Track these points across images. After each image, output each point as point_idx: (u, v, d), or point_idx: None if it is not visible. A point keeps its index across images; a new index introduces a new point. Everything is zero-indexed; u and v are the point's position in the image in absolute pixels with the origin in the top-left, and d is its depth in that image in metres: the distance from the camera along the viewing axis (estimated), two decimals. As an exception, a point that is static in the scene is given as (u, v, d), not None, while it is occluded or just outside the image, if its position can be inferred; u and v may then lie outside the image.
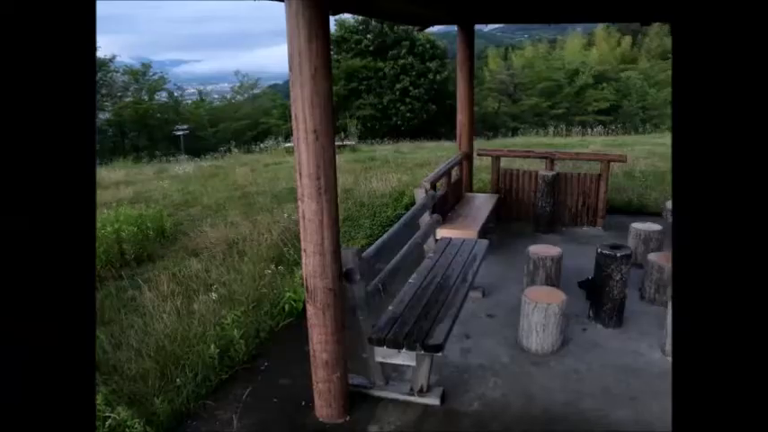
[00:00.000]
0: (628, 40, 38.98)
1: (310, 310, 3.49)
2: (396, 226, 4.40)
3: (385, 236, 4.19)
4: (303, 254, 3.40)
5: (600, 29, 38.92)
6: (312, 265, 3.37)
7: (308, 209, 3.26)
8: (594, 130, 22.33)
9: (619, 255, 4.64)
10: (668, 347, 4.40)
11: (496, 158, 7.61)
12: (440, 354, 3.62)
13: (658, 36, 38.91)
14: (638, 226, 6.32)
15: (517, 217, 7.63)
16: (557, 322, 4.40)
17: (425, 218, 5.05)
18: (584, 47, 38.78)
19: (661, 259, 5.28)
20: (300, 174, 3.24)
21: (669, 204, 5.70)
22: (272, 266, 5.87)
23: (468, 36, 7.55)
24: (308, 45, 3.03)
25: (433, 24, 7.82)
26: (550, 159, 7.41)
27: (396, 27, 28.79)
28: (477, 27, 7.78)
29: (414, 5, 5.74)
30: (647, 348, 4.56)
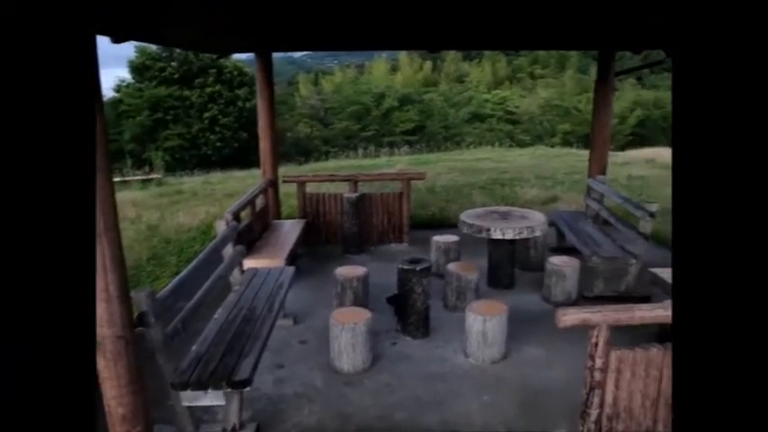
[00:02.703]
0: (429, 65, 41.60)
1: (101, 362, 3.22)
2: (194, 262, 4.24)
3: (183, 273, 4.01)
4: (87, 302, 3.14)
5: (403, 55, 41.12)
6: (98, 313, 3.12)
7: (87, 253, 3.03)
8: (401, 149, 23.48)
9: (418, 269, 4.88)
10: (469, 350, 4.71)
11: (302, 184, 7.67)
12: (248, 388, 3.53)
13: (454, 62, 42.07)
14: (438, 239, 6.73)
15: (326, 240, 7.74)
16: (365, 340, 4.51)
17: (228, 250, 4.94)
18: (389, 71, 40.73)
19: (458, 268, 5.65)
20: (76, 216, 3.00)
21: (463, 216, 6.11)
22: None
23: (267, 63, 7.56)
24: (74, 79, 2.82)
25: (229, 53, 7.74)
26: (354, 181, 7.64)
27: (201, 54, 28.07)
28: (288, 54, 7.85)
29: (203, 35, 5.64)
30: (451, 353, 4.84)
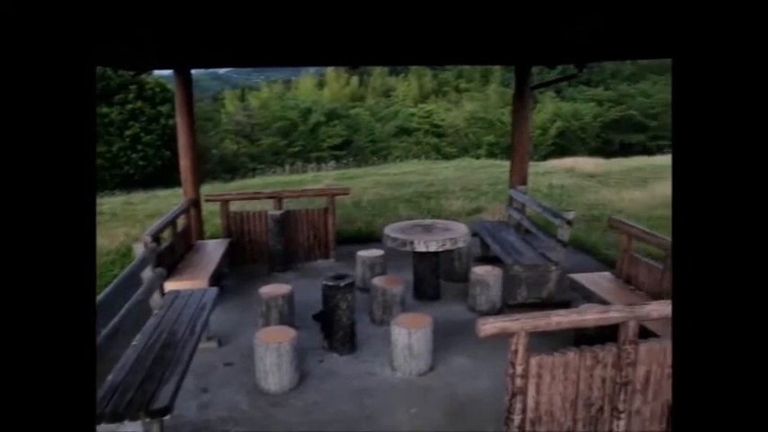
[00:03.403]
0: (356, 80, 41.84)
1: (6, 397, 3.05)
2: (110, 286, 4.08)
3: (97, 299, 3.86)
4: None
5: (330, 70, 41.18)
6: (1, 346, 2.95)
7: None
8: (329, 164, 23.49)
9: (342, 284, 4.87)
10: (396, 363, 4.72)
11: (225, 202, 7.53)
12: (168, 416, 3.42)
13: (381, 77, 42.48)
14: (363, 253, 6.74)
15: (252, 259, 7.61)
16: (291, 359, 4.46)
17: (148, 272, 4.78)
18: (316, 87, 40.72)
19: (383, 282, 5.67)
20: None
21: (387, 230, 6.14)
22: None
23: (186, 80, 7.45)
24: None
25: (146, 70, 7.57)
26: (278, 198, 7.57)
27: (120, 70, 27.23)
28: (212, 69, 7.75)
29: (120, 52, 5.49)
30: (378, 368, 4.84)
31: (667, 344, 3.78)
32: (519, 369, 3.43)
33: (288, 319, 5.40)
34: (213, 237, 7.93)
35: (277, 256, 7.33)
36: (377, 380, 4.67)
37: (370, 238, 8.52)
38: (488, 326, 3.29)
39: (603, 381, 3.65)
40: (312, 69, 42.37)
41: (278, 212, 7.28)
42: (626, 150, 28.80)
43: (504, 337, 3.36)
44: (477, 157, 25.38)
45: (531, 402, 3.53)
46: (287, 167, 23.18)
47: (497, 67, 35.96)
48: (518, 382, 3.45)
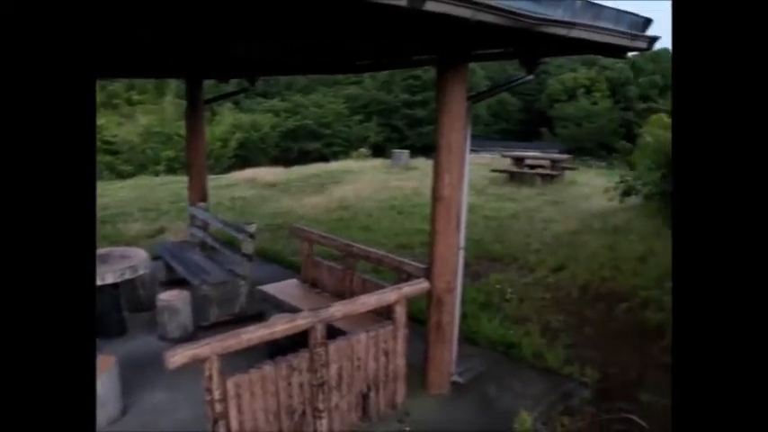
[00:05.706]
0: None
1: None
2: None
3: None
4: None
5: None
6: None
7: None
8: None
9: None
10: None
11: None
12: None
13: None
14: None
15: None
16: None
17: None
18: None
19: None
20: None
21: None
22: None
23: None
24: None
25: None
26: None
27: None
28: None
29: None
30: None
31: (354, 338, 4.08)
32: (216, 393, 3.36)
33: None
34: None
35: None
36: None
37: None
38: (177, 357, 3.16)
39: (301, 386, 3.79)
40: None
41: None
42: (304, 158, 30.44)
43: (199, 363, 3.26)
44: (157, 174, 24.28)
45: (234, 424, 3.49)
46: None
47: (172, 79, 34.87)
48: (218, 407, 3.39)
